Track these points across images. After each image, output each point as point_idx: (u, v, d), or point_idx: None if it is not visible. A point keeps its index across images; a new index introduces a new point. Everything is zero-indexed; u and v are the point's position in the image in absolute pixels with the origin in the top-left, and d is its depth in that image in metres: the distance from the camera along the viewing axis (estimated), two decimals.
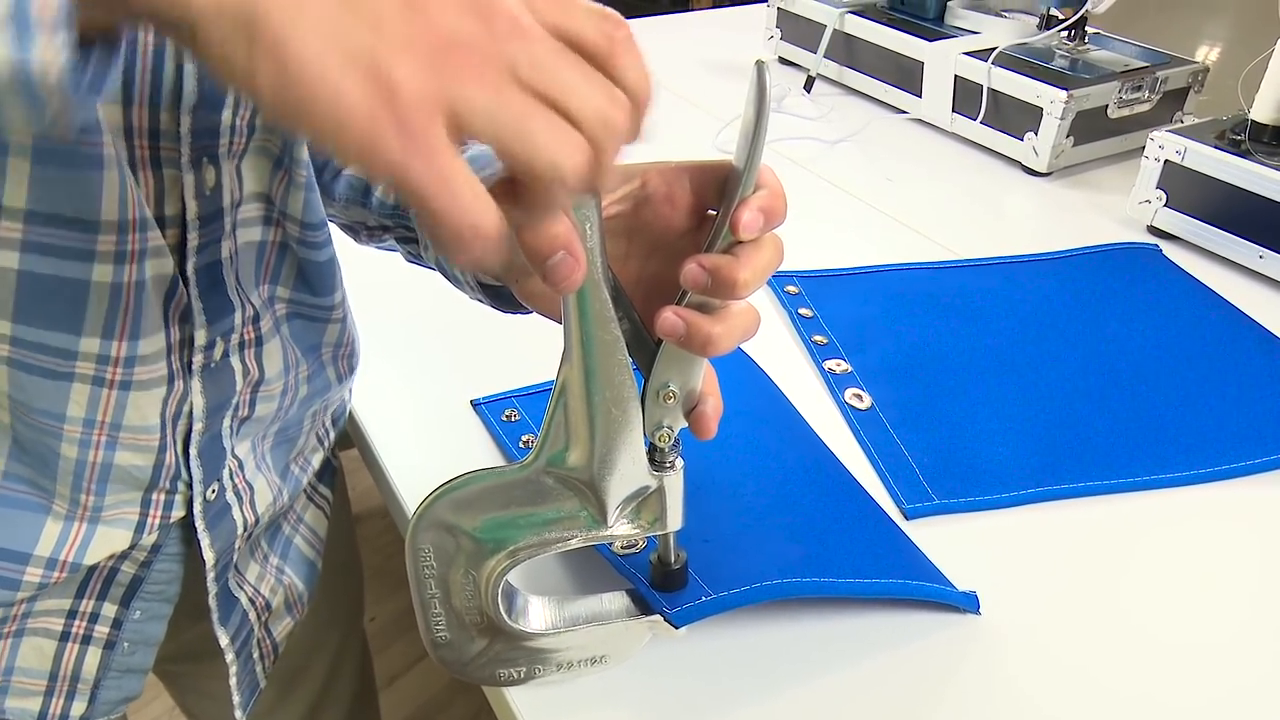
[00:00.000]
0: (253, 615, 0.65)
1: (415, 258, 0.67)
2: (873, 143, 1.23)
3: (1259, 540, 0.67)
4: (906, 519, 0.67)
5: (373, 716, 0.91)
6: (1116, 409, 0.78)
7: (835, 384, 0.79)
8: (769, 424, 0.73)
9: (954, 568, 0.62)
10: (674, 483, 0.49)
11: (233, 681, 0.65)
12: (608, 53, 0.33)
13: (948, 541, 0.65)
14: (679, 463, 0.48)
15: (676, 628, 0.53)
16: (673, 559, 0.53)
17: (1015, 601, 0.61)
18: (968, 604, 0.60)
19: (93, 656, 0.57)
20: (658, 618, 0.53)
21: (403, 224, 0.64)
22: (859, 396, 0.78)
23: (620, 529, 0.49)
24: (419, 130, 0.29)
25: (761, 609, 0.58)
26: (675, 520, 0.50)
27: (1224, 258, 0.99)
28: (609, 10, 0.35)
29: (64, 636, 0.56)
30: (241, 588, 0.63)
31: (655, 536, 0.52)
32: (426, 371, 0.79)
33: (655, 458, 0.48)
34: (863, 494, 0.67)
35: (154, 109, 0.46)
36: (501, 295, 0.59)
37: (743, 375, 0.78)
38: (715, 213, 0.46)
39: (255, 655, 0.66)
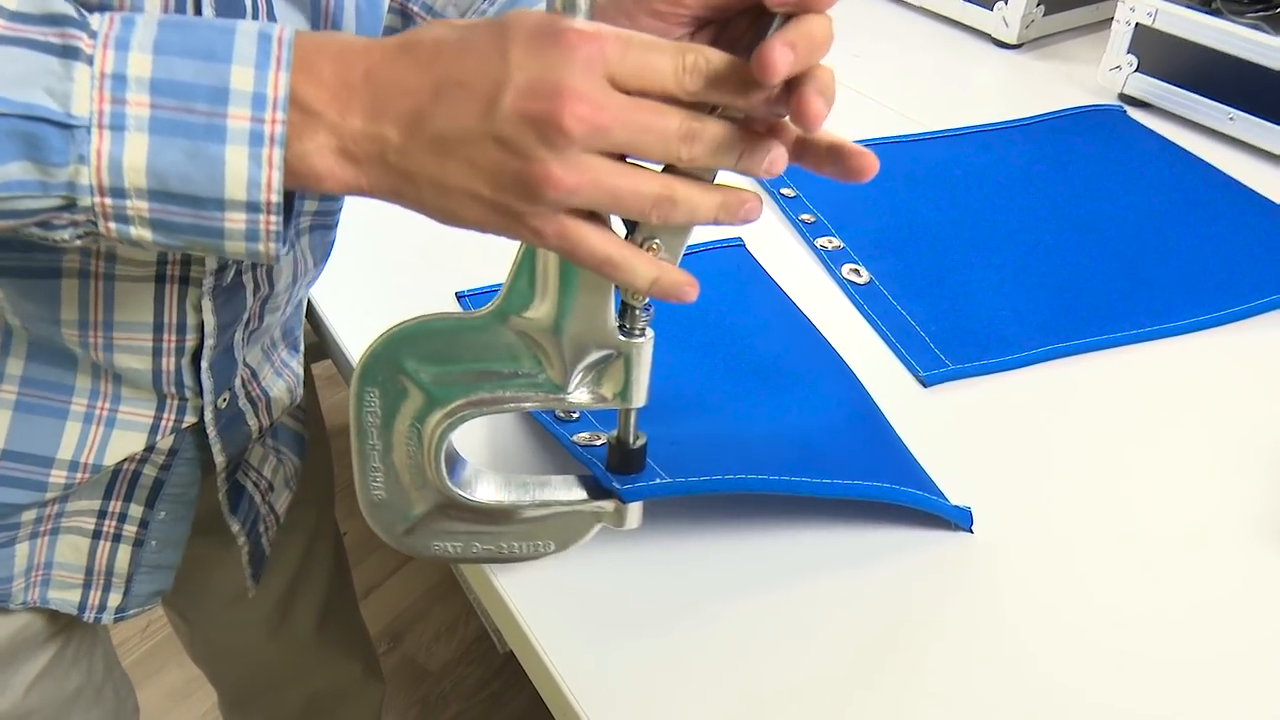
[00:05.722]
0: (258, 497, 0.67)
1: None
2: (840, 19, 1.17)
3: (1265, 378, 0.70)
4: (925, 386, 0.67)
5: (348, 596, 0.92)
6: (1107, 265, 0.78)
7: (830, 260, 0.79)
8: (756, 316, 0.70)
9: (977, 433, 0.64)
10: (642, 352, 0.45)
11: (244, 558, 0.68)
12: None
13: (966, 407, 0.65)
14: (649, 332, 0.45)
15: (625, 502, 0.49)
16: (631, 439, 0.49)
17: (1043, 460, 0.62)
18: (960, 519, 0.56)
19: (124, 553, 0.60)
20: (608, 505, 0.49)
21: None
22: (856, 271, 0.78)
23: (580, 397, 0.46)
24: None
25: (734, 516, 0.56)
26: (640, 395, 0.46)
27: (1194, 122, 0.99)
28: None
29: (96, 535, 0.59)
30: (247, 475, 0.65)
31: (615, 417, 0.49)
32: (408, 260, 0.76)
33: (625, 322, 0.44)
34: (858, 391, 0.64)
35: None
36: None
37: (732, 266, 0.76)
38: None
39: (261, 529, 0.69)
